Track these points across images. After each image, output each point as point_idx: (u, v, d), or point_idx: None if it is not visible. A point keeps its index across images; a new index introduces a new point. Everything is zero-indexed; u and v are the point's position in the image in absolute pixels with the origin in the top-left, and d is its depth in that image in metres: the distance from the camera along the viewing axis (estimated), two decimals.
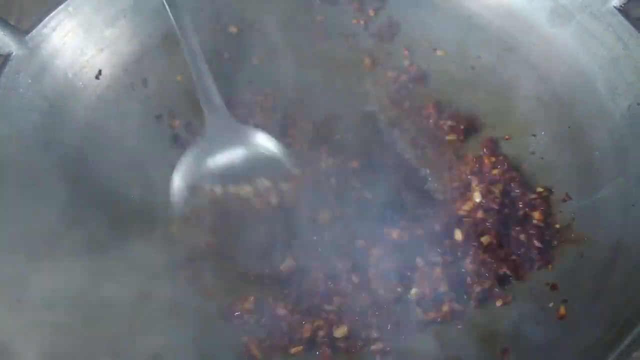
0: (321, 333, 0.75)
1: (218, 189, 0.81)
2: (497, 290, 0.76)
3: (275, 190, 0.81)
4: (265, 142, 0.84)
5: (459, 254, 0.79)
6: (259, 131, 0.84)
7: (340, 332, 0.76)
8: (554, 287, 0.74)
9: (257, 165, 0.82)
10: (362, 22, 1.04)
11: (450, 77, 0.99)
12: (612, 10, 0.79)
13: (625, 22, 0.79)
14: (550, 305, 0.71)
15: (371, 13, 1.03)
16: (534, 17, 0.89)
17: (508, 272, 0.77)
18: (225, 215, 0.81)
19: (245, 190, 0.81)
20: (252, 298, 0.80)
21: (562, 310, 0.70)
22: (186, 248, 0.81)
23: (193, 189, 0.81)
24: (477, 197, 0.82)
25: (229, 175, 0.82)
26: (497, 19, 0.93)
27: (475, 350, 0.71)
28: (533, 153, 0.89)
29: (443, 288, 0.76)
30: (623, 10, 0.79)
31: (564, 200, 0.82)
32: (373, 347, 0.74)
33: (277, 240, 0.81)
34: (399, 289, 0.77)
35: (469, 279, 0.77)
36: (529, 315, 0.72)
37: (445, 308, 0.76)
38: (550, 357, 0.66)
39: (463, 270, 0.78)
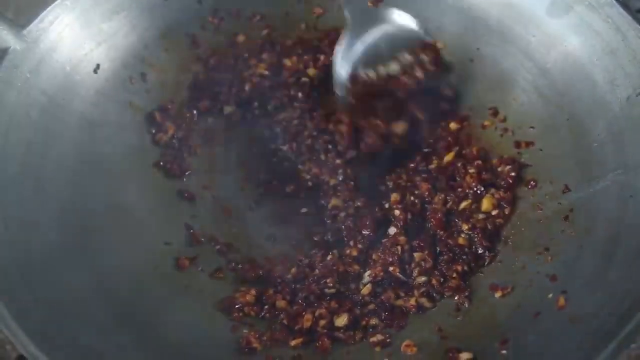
0: (322, 322, 0.76)
1: (371, 73, 0.89)
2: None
3: (418, 62, 0.90)
4: (402, 17, 0.91)
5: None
6: (393, 9, 0.91)
7: (340, 320, 0.76)
8: (553, 278, 0.74)
9: (398, 41, 0.90)
10: None
11: (449, 69, 0.99)
12: (611, 2, 0.80)
13: (624, 14, 0.79)
14: (550, 296, 0.71)
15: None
16: (533, 9, 0.89)
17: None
18: (384, 97, 0.90)
19: (393, 68, 0.90)
20: (252, 291, 0.80)
21: (561, 300, 0.70)
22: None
23: (351, 78, 0.88)
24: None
25: (377, 56, 0.90)
26: (496, 11, 0.93)
27: (475, 341, 0.71)
28: (532, 145, 0.89)
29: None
30: (622, 2, 0.79)
31: (564, 192, 0.82)
32: (372, 339, 0.75)
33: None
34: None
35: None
36: (529, 306, 0.73)
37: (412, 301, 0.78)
38: (549, 347, 0.66)
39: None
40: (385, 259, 0.81)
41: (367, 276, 0.81)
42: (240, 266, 0.85)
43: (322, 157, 0.95)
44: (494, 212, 0.84)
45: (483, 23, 0.95)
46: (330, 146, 0.95)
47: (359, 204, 0.89)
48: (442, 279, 0.79)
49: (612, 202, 0.75)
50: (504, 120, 0.93)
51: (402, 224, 0.84)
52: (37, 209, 0.76)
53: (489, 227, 0.83)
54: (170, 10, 0.95)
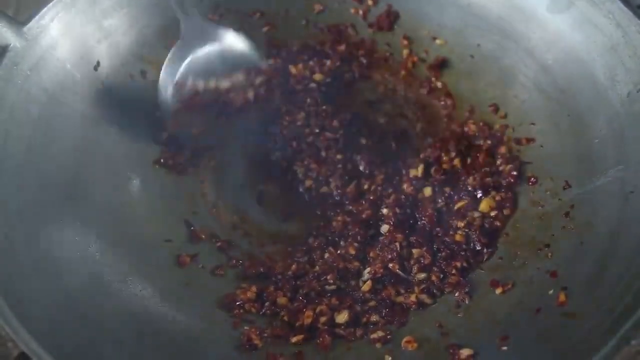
0: (323, 319, 0.76)
1: (200, 84, 0.89)
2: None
3: (250, 84, 0.92)
4: (237, 40, 0.92)
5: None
6: (231, 30, 0.91)
7: (341, 317, 0.76)
8: (553, 274, 0.74)
9: (232, 61, 0.91)
10: (361, 12, 1.04)
11: (450, 66, 0.99)
12: None
13: (625, 9, 0.78)
14: (550, 292, 0.71)
15: (370, 3, 1.03)
16: (533, 5, 0.89)
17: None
18: (209, 107, 0.91)
19: (224, 84, 0.90)
20: (253, 288, 0.80)
21: (561, 297, 0.70)
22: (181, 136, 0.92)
23: (178, 84, 0.88)
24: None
25: (208, 71, 0.90)
26: (496, 7, 0.93)
27: (476, 338, 0.72)
28: (533, 141, 0.89)
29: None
30: None
31: (564, 188, 0.82)
32: (373, 336, 0.75)
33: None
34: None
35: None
36: (529, 302, 0.73)
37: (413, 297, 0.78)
38: (550, 343, 0.66)
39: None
40: (384, 256, 0.81)
41: (366, 273, 0.81)
42: (241, 263, 0.85)
43: (323, 154, 0.95)
44: (492, 213, 0.84)
45: (483, 19, 0.95)
46: (330, 143, 0.95)
47: (350, 207, 0.89)
48: (441, 275, 0.79)
49: (613, 198, 0.74)
50: (505, 116, 0.93)
51: (393, 221, 0.84)
52: (38, 205, 0.76)
53: (486, 225, 0.83)
54: (170, 7, 0.94)
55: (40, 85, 0.81)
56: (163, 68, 0.88)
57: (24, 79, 0.79)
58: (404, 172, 0.91)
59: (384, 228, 0.85)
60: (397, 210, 0.86)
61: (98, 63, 0.89)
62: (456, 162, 0.90)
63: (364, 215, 0.87)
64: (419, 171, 0.89)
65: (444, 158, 0.91)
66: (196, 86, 0.89)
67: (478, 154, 0.91)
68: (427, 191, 0.87)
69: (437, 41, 1.00)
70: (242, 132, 0.95)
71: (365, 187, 0.91)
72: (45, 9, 0.82)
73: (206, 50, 0.89)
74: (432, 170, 0.90)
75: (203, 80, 0.89)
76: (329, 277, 0.81)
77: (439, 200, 0.87)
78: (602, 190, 0.77)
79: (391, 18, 1.03)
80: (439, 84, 0.99)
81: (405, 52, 1.02)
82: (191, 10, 0.89)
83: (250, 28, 1.03)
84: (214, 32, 0.90)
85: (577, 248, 0.75)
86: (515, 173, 0.87)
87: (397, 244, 0.82)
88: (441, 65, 1.00)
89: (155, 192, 0.89)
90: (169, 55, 0.88)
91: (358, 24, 1.04)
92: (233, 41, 0.91)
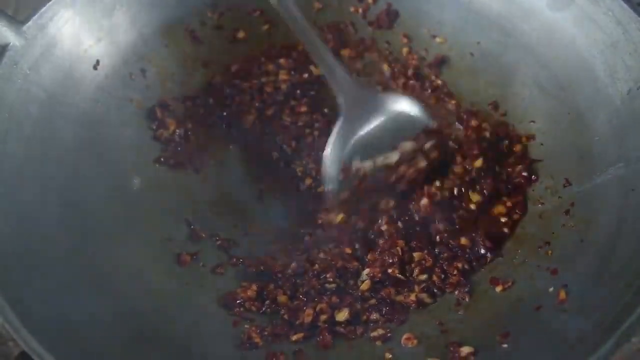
0: (323, 317, 0.76)
1: (367, 164, 0.82)
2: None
3: (420, 150, 0.82)
4: (404, 104, 0.84)
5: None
6: (392, 94, 0.84)
7: (341, 315, 0.76)
8: (554, 272, 0.74)
9: (399, 130, 0.83)
10: (360, 10, 1.04)
11: (450, 63, 0.99)
12: None
13: (625, 6, 0.78)
14: (551, 290, 0.71)
15: (370, 1, 1.03)
16: (533, 2, 0.88)
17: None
18: (379, 188, 0.83)
19: (393, 158, 0.82)
20: (253, 286, 0.80)
21: (562, 294, 0.70)
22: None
23: (344, 170, 0.82)
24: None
25: (375, 146, 0.82)
26: (496, 4, 0.93)
27: (476, 335, 0.72)
28: (533, 139, 0.89)
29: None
30: None
31: (564, 186, 0.82)
32: (373, 334, 0.75)
33: None
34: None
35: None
36: (529, 300, 0.73)
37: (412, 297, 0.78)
38: (550, 341, 0.66)
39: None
40: (383, 260, 0.80)
41: (365, 274, 0.81)
42: (241, 261, 0.85)
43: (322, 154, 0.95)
44: (502, 219, 0.83)
45: (483, 17, 0.94)
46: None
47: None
48: (443, 276, 0.79)
49: (613, 195, 0.74)
50: (505, 114, 0.93)
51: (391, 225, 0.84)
52: (38, 205, 0.76)
53: (494, 230, 0.83)
54: (169, 5, 0.95)
55: (40, 84, 0.81)
56: (328, 153, 0.82)
57: (24, 78, 0.79)
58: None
59: (384, 228, 0.84)
60: (395, 214, 0.85)
61: (98, 62, 0.89)
62: (477, 162, 0.86)
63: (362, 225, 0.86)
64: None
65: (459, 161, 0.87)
66: (364, 168, 0.82)
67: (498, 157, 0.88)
68: (431, 197, 0.86)
69: (437, 39, 1.00)
70: (242, 132, 0.96)
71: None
72: (45, 7, 0.82)
73: (371, 126, 0.82)
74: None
75: (370, 159, 0.82)
76: (328, 275, 0.81)
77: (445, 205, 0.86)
78: (603, 188, 0.77)
79: (391, 16, 1.03)
80: (439, 82, 0.99)
81: (405, 50, 1.02)
82: (347, 85, 0.81)
83: (250, 26, 1.03)
84: (377, 100, 0.83)
85: (577, 246, 0.75)
86: (525, 174, 0.86)
87: (399, 249, 0.81)
88: (441, 63, 1.00)
89: (156, 191, 0.89)
90: (332, 139, 0.82)
91: (358, 23, 1.04)
92: (400, 107, 0.83)
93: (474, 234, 0.82)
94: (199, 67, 1.00)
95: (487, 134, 0.91)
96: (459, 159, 0.87)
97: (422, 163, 0.83)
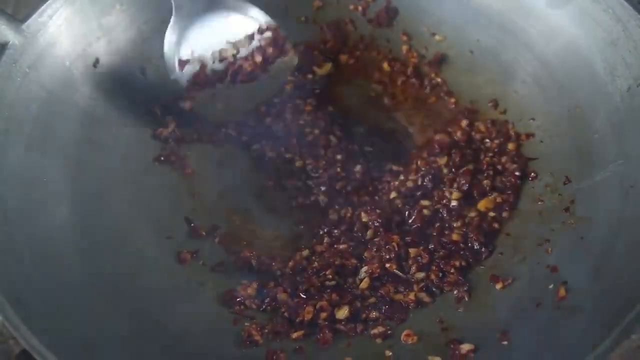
0: (323, 315, 0.76)
1: (205, 56, 0.87)
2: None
3: (257, 47, 0.89)
4: (237, 1, 0.88)
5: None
6: None
7: (341, 313, 0.76)
8: (554, 269, 0.74)
9: (234, 25, 0.88)
10: (360, 8, 1.04)
11: (449, 61, 0.99)
12: None
13: (625, 4, 0.78)
14: (551, 287, 0.71)
15: None
16: (533, 0, 0.88)
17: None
18: (220, 79, 0.89)
19: (230, 52, 0.88)
20: (254, 284, 0.80)
21: (562, 291, 0.70)
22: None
23: (182, 62, 0.86)
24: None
25: (211, 40, 0.88)
26: (496, 2, 0.93)
27: (476, 333, 0.72)
28: (532, 137, 0.89)
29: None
30: None
31: (564, 183, 0.82)
32: (373, 331, 0.75)
33: None
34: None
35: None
36: (529, 297, 0.73)
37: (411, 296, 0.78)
38: (550, 338, 0.66)
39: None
40: (381, 256, 0.80)
41: (363, 272, 0.81)
42: (241, 259, 0.85)
43: (322, 152, 0.95)
44: (490, 214, 0.84)
45: (483, 14, 0.94)
46: (331, 139, 0.95)
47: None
48: (440, 274, 0.79)
49: (613, 193, 0.74)
50: (504, 112, 0.93)
51: (378, 223, 0.85)
52: (38, 203, 0.76)
53: (484, 226, 0.83)
54: (169, 4, 0.94)
55: (40, 82, 0.81)
56: (164, 46, 0.86)
57: (23, 76, 0.79)
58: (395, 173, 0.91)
59: (369, 233, 0.85)
60: (378, 213, 0.85)
61: (97, 60, 0.89)
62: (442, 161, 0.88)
63: (348, 215, 0.88)
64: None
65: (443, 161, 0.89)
66: (202, 59, 0.87)
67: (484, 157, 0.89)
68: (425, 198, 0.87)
69: (437, 37, 1.00)
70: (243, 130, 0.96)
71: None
72: (44, 6, 0.82)
73: (205, 19, 0.86)
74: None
75: (207, 51, 0.87)
76: (327, 272, 0.81)
77: (434, 200, 0.86)
78: (602, 185, 0.77)
79: (390, 14, 1.03)
80: (438, 80, 0.99)
81: (404, 48, 1.02)
82: None
83: None
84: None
85: (577, 243, 0.75)
86: (518, 173, 0.86)
87: (394, 244, 0.81)
88: (440, 61, 1.00)
89: (156, 189, 0.89)
90: (168, 31, 0.86)
91: (357, 20, 1.04)
92: (232, 3, 0.88)
93: (464, 229, 0.82)
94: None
95: (477, 135, 0.92)
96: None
97: (258, 58, 0.89)
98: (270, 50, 0.90)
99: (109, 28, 0.90)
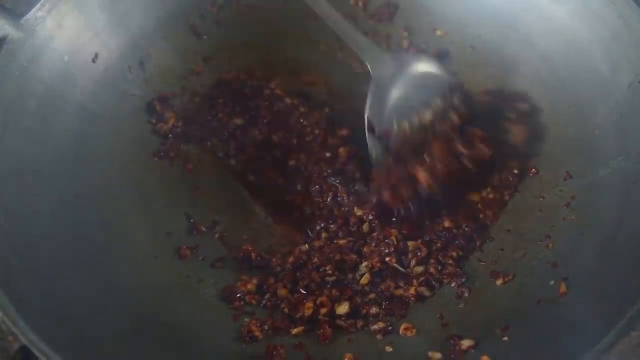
0: (323, 310, 0.76)
1: (405, 124, 0.82)
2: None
3: (450, 106, 0.84)
4: (426, 61, 0.86)
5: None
6: (418, 53, 0.87)
7: (342, 308, 0.76)
8: (554, 265, 0.74)
9: (428, 88, 0.84)
10: (360, 4, 1.03)
11: (450, 56, 0.98)
12: None
13: None
14: (551, 283, 0.71)
15: None
16: None
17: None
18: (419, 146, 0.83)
19: (427, 116, 0.83)
20: (254, 280, 0.80)
21: (562, 287, 0.70)
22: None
23: (385, 134, 0.83)
24: None
25: (408, 106, 0.83)
26: None
27: (477, 328, 0.72)
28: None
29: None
30: None
31: (565, 179, 0.81)
32: (374, 327, 0.75)
33: None
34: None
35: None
36: (530, 293, 0.73)
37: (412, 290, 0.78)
38: (550, 333, 0.66)
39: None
40: (380, 251, 0.80)
41: (363, 267, 0.81)
42: (241, 255, 0.85)
43: (322, 149, 0.94)
44: (479, 206, 0.84)
45: (484, 9, 0.94)
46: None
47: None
48: (439, 267, 0.79)
49: (614, 188, 0.74)
50: None
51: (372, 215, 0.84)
52: (37, 199, 0.75)
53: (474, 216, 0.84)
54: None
55: (38, 77, 0.80)
56: (366, 117, 0.83)
57: (22, 70, 0.79)
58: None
59: (365, 227, 0.84)
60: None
61: (96, 55, 0.88)
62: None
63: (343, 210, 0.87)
64: None
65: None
66: (403, 128, 0.83)
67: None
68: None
69: (437, 32, 0.99)
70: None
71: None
72: (43, 0, 0.81)
73: (401, 85, 0.83)
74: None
75: (407, 119, 0.83)
76: (327, 267, 0.81)
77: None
78: (603, 181, 0.76)
79: (391, 9, 1.02)
80: None
81: (405, 43, 1.02)
82: (370, 48, 0.84)
83: (249, 20, 1.02)
84: (402, 62, 0.84)
85: (577, 239, 0.74)
86: (516, 172, 0.86)
87: (393, 238, 0.81)
88: (441, 56, 0.99)
89: (155, 184, 0.89)
90: (368, 102, 0.83)
91: (358, 16, 1.03)
92: (423, 65, 0.85)
93: (456, 216, 0.83)
94: (199, 60, 1.00)
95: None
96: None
97: (455, 118, 0.84)
98: (463, 108, 0.86)
99: (108, 23, 0.89)
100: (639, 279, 0.64)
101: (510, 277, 0.77)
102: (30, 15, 0.80)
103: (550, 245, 0.77)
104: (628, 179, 0.73)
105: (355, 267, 0.81)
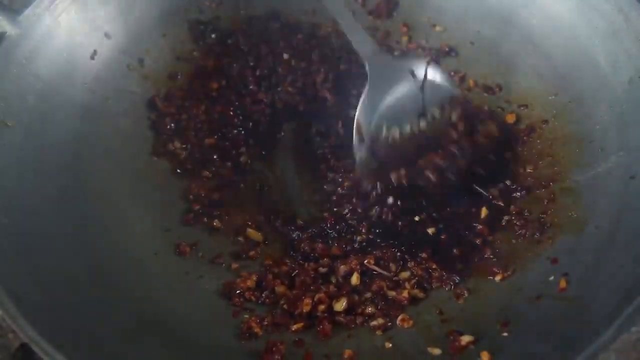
0: (321, 307, 0.76)
1: (396, 131, 0.81)
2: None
3: (447, 119, 0.81)
4: (430, 71, 0.82)
5: None
6: (421, 60, 0.83)
7: (339, 305, 0.76)
8: (554, 261, 0.74)
9: (426, 97, 0.81)
10: (359, 0, 1.03)
11: (450, 53, 0.98)
12: None
13: None
14: (551, 278, 0.71)
15: None
16: None
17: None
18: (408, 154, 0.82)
19: (421, 125, 0.81)
20: (253, 276, 0.80)
21: (562, 283, 0.70)
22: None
23: (373, 137, 0.81)
24: None
25: (403, 114, 0.81)
26: None
27: (476, 324, 0.72)
28: (533, 128, 0.88)
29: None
30: None
31: (565, 174, 0.81)
32: (373, 323, 0.75)
33: None
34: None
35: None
36: (530, 289, 0.72)
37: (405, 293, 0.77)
38: (550, 329, 0.66)
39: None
40: (360, 257, 0.81)
41: (342, 269, 0.80)
42: (240, 251, 0.85)
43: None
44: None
45: (484, 5, 0.94)
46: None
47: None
48: (425, 274, 0.79)
49: (614, 184, 0.74)
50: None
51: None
52: (36, 195, 0.75)
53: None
54: None
55: (36, 74, 0.80)
56: (355, 119, 0.81)
57: (20, 68, 0.79)
58: None
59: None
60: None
61: (95, 52, 0.88)
62: None
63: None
64: None
65: None
66: (393, 135, 0.81)
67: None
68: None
69: (437, 28, 0.99)
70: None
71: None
72: None
73: (398, 91, 0.81)
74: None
75: (398, 126, 0.81)
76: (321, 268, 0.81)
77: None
78: (603, 176, 0.76)
79: (390, 5, 1.02)
80: None
81: (404, 39, 1.01)
82: (372, 51, 0.82)
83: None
84: (403, 67, 0.82)
85: (578, 234, 0.74)
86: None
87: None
88: (449, 52, 0.99)
89: (154, 181, 0.89)
90: (360, 104, 0.81)
91: (357, 12, 1.03)
92: (426, 72, 0.82)
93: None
94: (197, 57, 0.99)
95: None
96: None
97: (453, 133, 0.82)
98: (461, 125, 0.83)
99: (106, 19, 0.89)
100: (638, 274, 0.64)
101: (509, 272, 0.77)
102: (28, 12, 0.80)
103: (550, 240, 0.77)
104: (628, 174, 0.73)
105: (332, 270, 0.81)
